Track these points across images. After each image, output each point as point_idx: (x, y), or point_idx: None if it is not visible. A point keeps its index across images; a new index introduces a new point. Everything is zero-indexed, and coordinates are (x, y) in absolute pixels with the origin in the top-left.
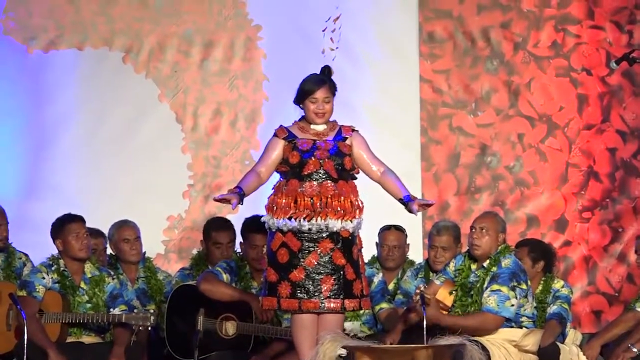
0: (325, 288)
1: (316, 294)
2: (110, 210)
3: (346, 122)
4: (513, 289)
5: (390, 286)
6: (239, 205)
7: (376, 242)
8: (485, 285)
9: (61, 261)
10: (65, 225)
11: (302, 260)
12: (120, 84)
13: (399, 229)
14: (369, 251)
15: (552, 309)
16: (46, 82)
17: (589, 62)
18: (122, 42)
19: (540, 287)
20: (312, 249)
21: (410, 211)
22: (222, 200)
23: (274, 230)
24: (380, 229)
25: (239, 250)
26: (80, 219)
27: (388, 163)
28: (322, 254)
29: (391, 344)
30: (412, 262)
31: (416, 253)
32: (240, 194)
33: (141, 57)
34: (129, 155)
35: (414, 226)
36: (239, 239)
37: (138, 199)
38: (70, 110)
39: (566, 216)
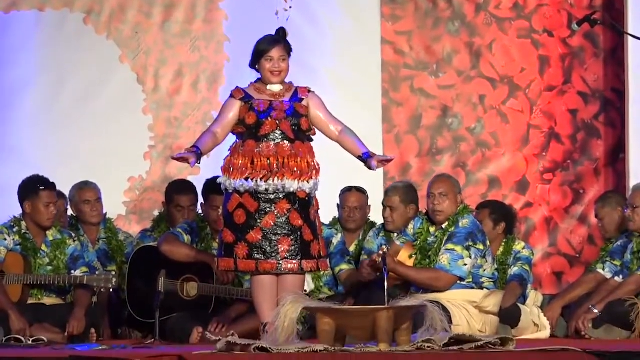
0: (283, 249)
1: (273, 254)
2: (71, 171)
3: (307, 83)
4: (468, 248)
5: (352, 247)
6: (198, 166)
7: (337, 204)
8: (442, 245)
9: (23, 223)
10: (38, 192)
11: (259, 221)
12: (82, 46)
13: (360, 190)
14: (330, 213)
15: (513, 270)
16: (7, 43)
17: (551, 24)
18: (83, 3)
19: (501, 249)
20: (269, 209)
21: (370, 168)
22: (179, 158)
23: (230, 191)
24: (341, 190)
25: (200, 211)
26: (53, 188)
27: (349, 125)
28: (279, 215)
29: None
30: (373, 224)
31: (378, 214)
32: (197, 153)
33: (102, 18)
34: (91, 116)
35: (376, 187)
36: (200, 200)
37: (99, 160)
38: (31, 72)
39: (527, 178)
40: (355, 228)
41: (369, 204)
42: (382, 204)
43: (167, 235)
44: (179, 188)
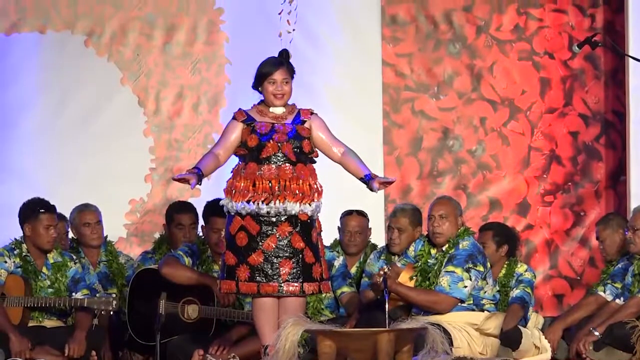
0: (284, 271)
1: (275, 277)
2: (72, 193)
3: (308, 105)
4: (468, 270)
5: (353, 270)
6: (199, 188)
7: (338, 227)
8: (442, 267)
9: (24, 246)
10: (38, 215)
11: (260, 243)
12: (83, 68)
13: (361, 213)
14: (332, 235)
15: (515, 292)
16: (8, 65)
17: (552, 46)
18: (84, 26)
19: (503, 271)
20: (271, 232)
21: (372, 189)
22: (181, 180)
23: (232, 213)
24: (342, 214)
25: (201, 233)
26: (53, 210)
27: (350, 146)
28: (280, 237)
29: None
30: (374, 246)
31: (378, 236)
32: (198, 174)
33: (103, 41)
34: (91, 138)
35: (376, 210)
36: (201, 222)
37: (100, 183)
38: (32, 94)
39: (528, 200)
40: (357, 252)
41: (369, 227)
42: (389, 225)
43: (167, 258)
44: (179, 207)
